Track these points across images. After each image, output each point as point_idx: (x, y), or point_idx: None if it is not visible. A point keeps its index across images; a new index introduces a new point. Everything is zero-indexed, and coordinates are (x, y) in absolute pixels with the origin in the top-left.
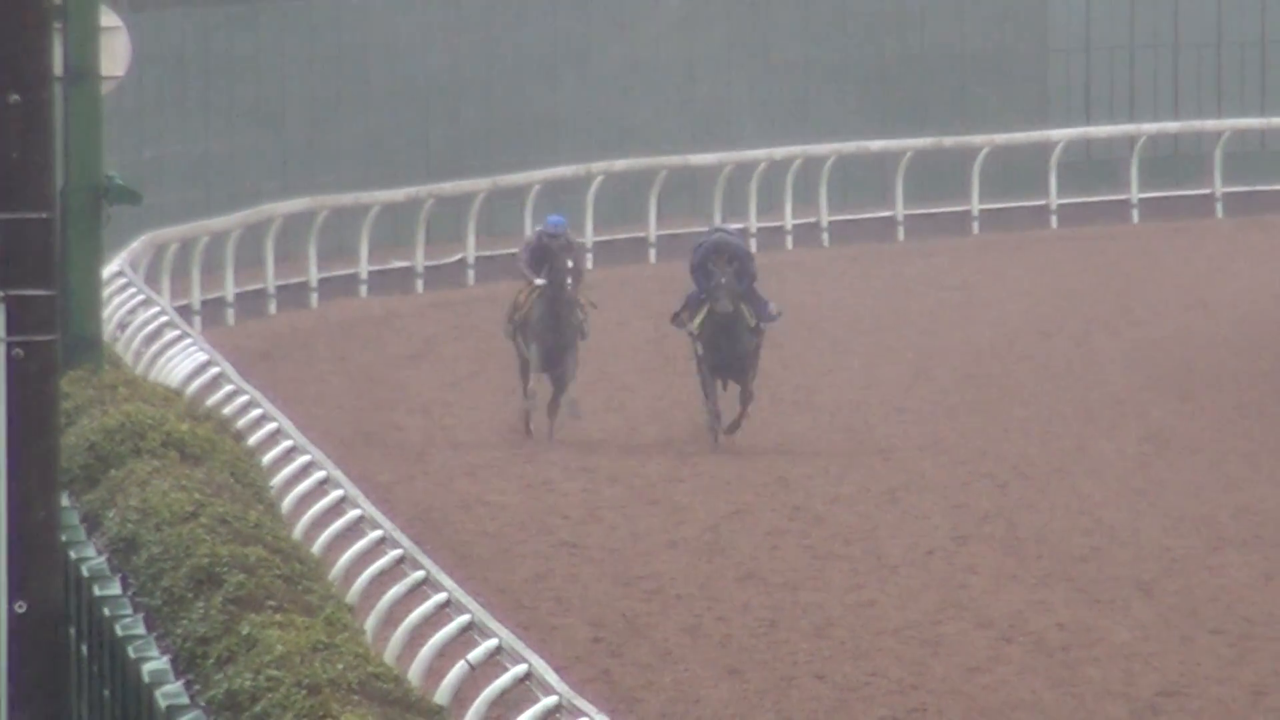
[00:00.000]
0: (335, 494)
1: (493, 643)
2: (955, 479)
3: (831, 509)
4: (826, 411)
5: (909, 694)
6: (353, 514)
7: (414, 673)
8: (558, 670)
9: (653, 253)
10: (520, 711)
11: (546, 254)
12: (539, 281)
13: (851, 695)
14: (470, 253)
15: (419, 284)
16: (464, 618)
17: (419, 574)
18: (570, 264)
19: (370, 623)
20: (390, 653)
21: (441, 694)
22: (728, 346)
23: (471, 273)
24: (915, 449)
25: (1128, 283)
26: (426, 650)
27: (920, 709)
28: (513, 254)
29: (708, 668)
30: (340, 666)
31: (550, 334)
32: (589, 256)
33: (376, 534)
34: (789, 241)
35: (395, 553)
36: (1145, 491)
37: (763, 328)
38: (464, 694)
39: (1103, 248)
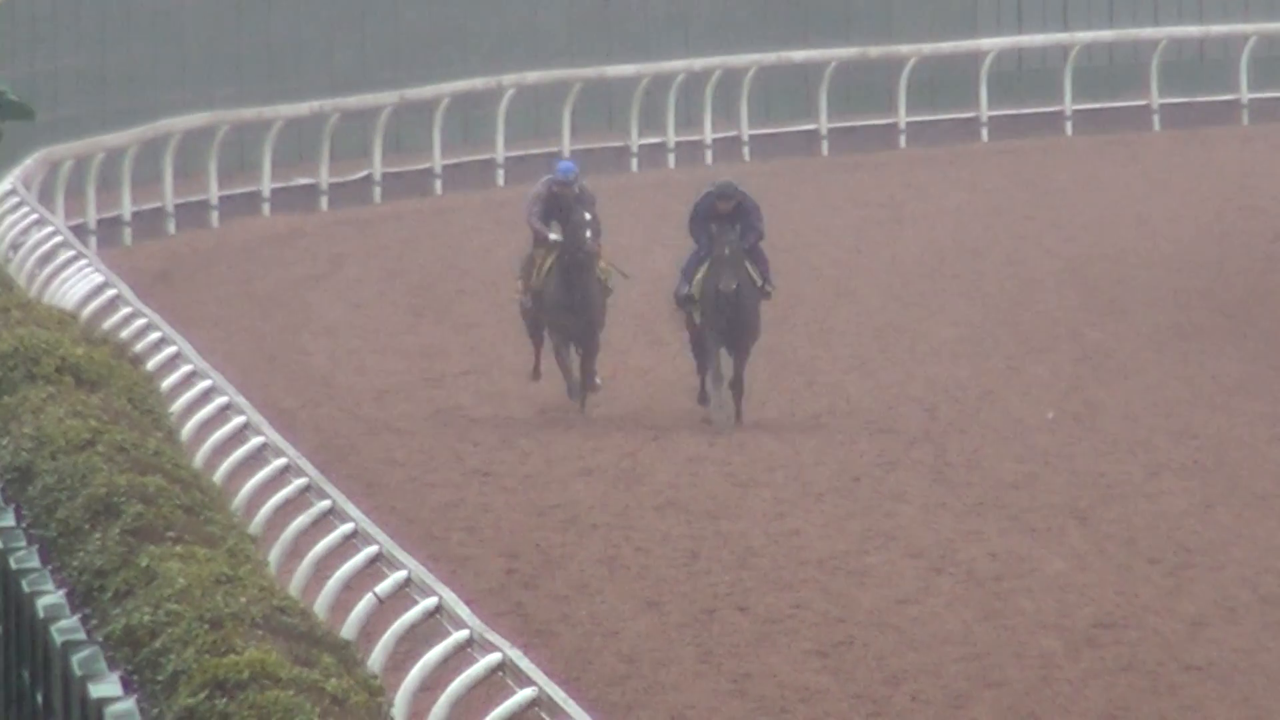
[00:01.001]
0: (237, 420)
1: (402, 575)
2: (882, 403)
3: (753, 435)
4: None
5: (835, 626)
6: (255, 441)
7: (320, 606)
8: (469, 603)
9: None
10: (431, 646)
11: (558, 206)
12: (554, 236)
13: (775, 628)
14: (377, 169)
15: (323, 201)
16: (372, 549)
17: (325, 504)
18: (588, 216)
19: (274, 554)
20: (295, 585)
21: (349, 628)
22: (732, 314)
23: (378, 190)
24: (840, 372)
25: (1061, 198)
26: (333, 583)
27: (847, 641)
28: (422, 170)
29: (625, 600)
30: (243, 600)
31: (572, 303)
32: (500, 173)
33: (280, 462)
34: (709, 156)
35: (300, 481)
36: (1080, 415)
37: (768, 289)
38: (372, 628)
39: (1035, 162)
